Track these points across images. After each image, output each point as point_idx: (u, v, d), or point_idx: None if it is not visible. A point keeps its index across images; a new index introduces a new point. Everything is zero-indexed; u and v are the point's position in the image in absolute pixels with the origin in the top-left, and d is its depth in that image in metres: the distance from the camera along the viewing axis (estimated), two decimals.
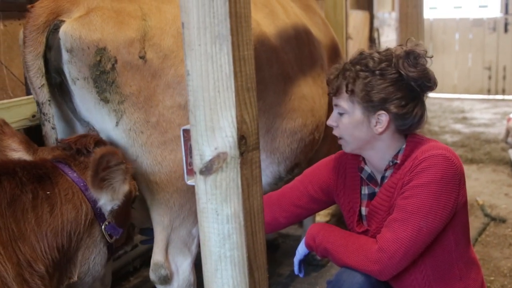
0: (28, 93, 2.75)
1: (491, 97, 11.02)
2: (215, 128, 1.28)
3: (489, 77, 11.07)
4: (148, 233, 2.69)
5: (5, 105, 2.54)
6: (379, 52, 2.19)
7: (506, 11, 11.03)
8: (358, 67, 2.14)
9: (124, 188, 2.07)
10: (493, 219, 4.61)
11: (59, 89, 2.31)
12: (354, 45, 7.76)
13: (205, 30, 1.26)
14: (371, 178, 2.31)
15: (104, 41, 2.19)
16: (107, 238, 2.13)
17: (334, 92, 2.19)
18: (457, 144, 7.17)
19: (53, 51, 2.23)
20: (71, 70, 2.22)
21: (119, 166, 2.01)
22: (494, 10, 11.63)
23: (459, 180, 2.09)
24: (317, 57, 3.28)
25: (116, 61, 2.20)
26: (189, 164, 1.73)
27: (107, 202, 2.06)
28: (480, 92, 11.15)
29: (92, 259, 2.12)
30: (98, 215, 2.08)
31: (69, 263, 2.06)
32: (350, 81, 2.13)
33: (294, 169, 3.02)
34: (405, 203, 2.08)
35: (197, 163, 1.32)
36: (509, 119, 6.97)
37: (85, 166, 2.10)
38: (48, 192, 1.98)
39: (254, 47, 2.60)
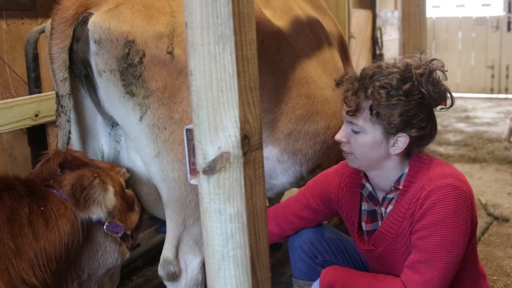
0: (31, 92, 2.76)
1: (494, 96, 11.01)
2: (218, 127, 1.28)
3: (492, 76, 11.05)
4: (159, 220, 2.70)
5: (8, 104, 2.55)
6: (398, 68, 2.06)
7: (509, 10, 11.00)
8: (379, 84, 2.02)
9: (109, 194, 2.09)
10: (496, 218, 4.60)
11: (84, 81, 2.31)
12: (357, 44, 7.76)
13: (208, 30, 1.25)
14: (372, 197, 2.28)
15: (133, 33, 2.19)
16: (113, 235, 2.15)
17: (353, 111, 2.06)
18: (460, 143, 7.16)
19: (80, 43, 2.22)
20: (98, 62, 2.22)
21: (92, 183, 2.03)
22: (497, 8, 11.61)
23: (471, 205, 2.05)
24: (337, 59, 3.29)
25: (144, 55, 2.20)
26: (192, 163, 1.73)
27: (100, 214, 2.08)
28: (483, 91, 11.14)
29: (100, 256, 2.15)
30: (95, 221, 2.09)
31: (73, 268, 2.08)
32: (374, 102, 2.02)
33: (316, 169, 3.02)
34: (425, 243, 2.02)
35: (200, 163, 1.32)
36: None
37: (61, 183, 2.10)
38: (42, 208, 1.99)
39: (277, 51, 2.65)
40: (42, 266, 1.92)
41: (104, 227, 2.12)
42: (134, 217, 2.36)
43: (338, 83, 2.20)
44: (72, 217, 2.03)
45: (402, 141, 2.07)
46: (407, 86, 2.01)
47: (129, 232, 2.27)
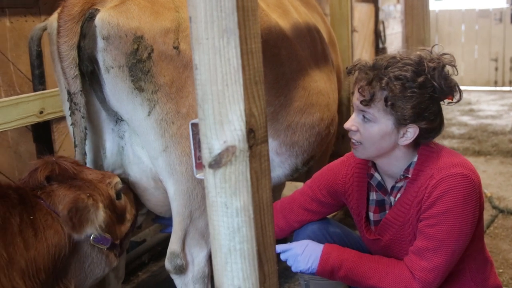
0: (35, 89, 2.76)
1: (498, 88, 10.98)
2: (224, 121, 1.28)
3: (496, 69, 11.01)
4: (163, 220, 2.72)
5: (13, 101, 2.55)
6: (412, 60, 2.07)
7: None
8: (393, 75, 2.02)
9: (100, 211, 2.07)
10: (501, 211, 4.60)
11: (89, 77, 2.32)
12: (360, 38, 7.74)
13: (212, 24, 1.25)
14: (381, 186, 2.29)
15: (142, 29, 2.21)
16: (99, 247, 2.15)
17: (368, 101, 2.05)
18: (464, 136, 7.14)
19: (87, 40, 2.23)
20: (106, 58, 2.23)
21: (87, 204, 2.02)
22: (500, 0, 11.55)
23: (479, 193, 2.09)
24: (328, 53, 3.36)
25: (152, 50, 2.23)
26: (198, 158, 1.73)
27: (92, 231, 2.07)
28: (487, 84, 11.10)
29: (87, 267, 2.14)
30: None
31: (60, 279, 2.06)
32: (389, 93, 2.02)
33: (309, 161, 3.09)
34: (433, 231, 2.05)
35: (206, 157, 1.32)
36: None
37: (49, 194, 2.08)
38: (31, 217, 1.98)
39: (275, 44, 2.68)
40: (32, 276, 1.91)
41: (91, 239, 2.11)
42: (125, 226, 2.35)
43: (349, 71, 2.20)
44: (59, 229, 2.02)
45: (411, 132, 2.08)
46: (421, 79, 2.02)
47: (117, 242, 2.26)
